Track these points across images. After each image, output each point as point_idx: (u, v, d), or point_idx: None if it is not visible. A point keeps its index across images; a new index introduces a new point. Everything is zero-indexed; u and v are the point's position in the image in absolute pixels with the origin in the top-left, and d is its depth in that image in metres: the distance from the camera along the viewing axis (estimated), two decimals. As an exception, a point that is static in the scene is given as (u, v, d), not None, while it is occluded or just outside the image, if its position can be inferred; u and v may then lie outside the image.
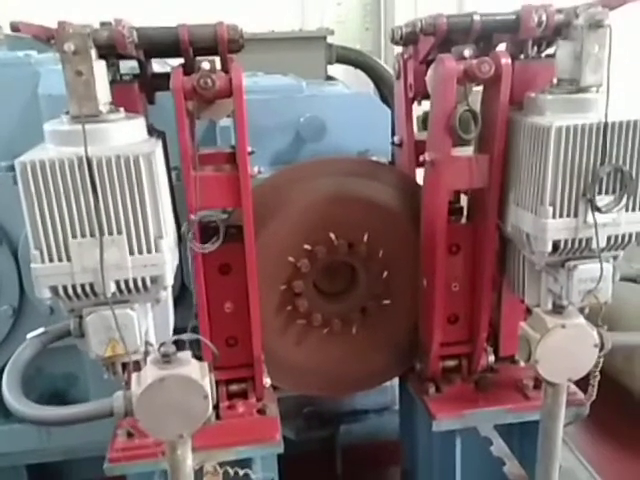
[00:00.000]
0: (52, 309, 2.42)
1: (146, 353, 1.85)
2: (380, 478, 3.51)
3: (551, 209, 1.92)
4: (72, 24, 1.67)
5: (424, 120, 2.61)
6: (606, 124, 1.87)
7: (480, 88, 2.16)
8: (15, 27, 1.77)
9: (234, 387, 2.36)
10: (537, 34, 2.08)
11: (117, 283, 1.75)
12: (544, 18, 2.04)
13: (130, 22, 1.89)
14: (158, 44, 1.94)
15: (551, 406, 1.95)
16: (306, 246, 2.29)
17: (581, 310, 2.00)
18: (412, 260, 2.39)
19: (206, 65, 1.90)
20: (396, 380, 2.92)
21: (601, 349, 1.89)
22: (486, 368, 2.49)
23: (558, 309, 1.86)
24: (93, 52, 1.70)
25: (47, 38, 1.77)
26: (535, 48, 2.20)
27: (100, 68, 1.74)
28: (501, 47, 2.23)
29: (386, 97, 3.86)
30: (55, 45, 1.66)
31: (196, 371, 1.63)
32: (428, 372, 2.45)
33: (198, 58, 1.95)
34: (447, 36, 2.12)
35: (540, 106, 2.00)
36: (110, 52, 1.84)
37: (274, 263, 2.28)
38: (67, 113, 1.74)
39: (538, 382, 2.31)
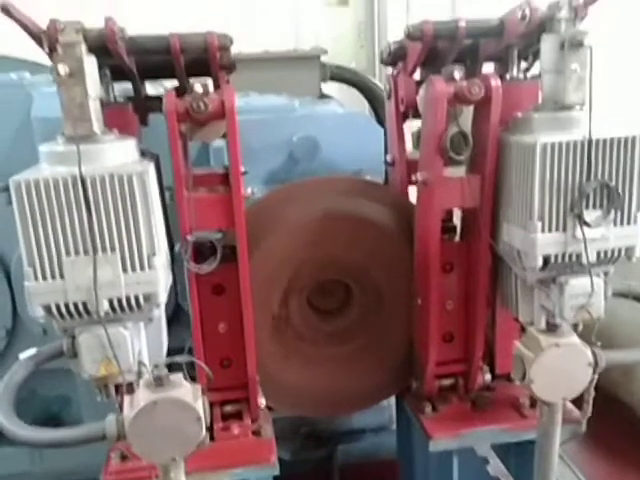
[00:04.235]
0: (45, 330, 2.41)
1: (139, 374, 1.84)
2: (378, 498, 3.46)
3: (540, 224, 1.93)
4: (65, 41, 1.68)
5: (419, 137, 2.63)
6: (590, 141, 1.89)
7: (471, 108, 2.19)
8: (6, 9, 1.72)
9: (229, 408, 2.34)
10: (522, 28, 2.08)
11: (110, 301, 1.75)
12: (527, 12, 2.05)
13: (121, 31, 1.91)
14: (149, 51, 1.96)
15: (547, 425, 1.94)
16: (299, 265, 2.29)
17: (574, 326, 2.00)
18: (406, 279, 2.39)
19: (199, 88, 1.92)
20: (393, 399, 2.90)
21: (595, 368, 1.89)
22: (482, 386, 2.47)
23: (552, 328, 1.86)
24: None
25: (37, 35, 1.77)
26: (521, 64, 2.24)
27: (94, 89, 1.75)
28: (488, 67, 2.26)
29: (381, 116, 3.88)
30: (46, 44, 1.68)
31: (189, 394, 1.61)
32: (424, 391, 2.43)
33: (191, 80, 1.96)
34: (434, 42, 2.14)
35: (526, 125, 2.02)
36: (104, 70, 1.88)
37: (267, 283, 2.28)
38: (62, 134, 1.76)
39: (534, 400, 2.29)
